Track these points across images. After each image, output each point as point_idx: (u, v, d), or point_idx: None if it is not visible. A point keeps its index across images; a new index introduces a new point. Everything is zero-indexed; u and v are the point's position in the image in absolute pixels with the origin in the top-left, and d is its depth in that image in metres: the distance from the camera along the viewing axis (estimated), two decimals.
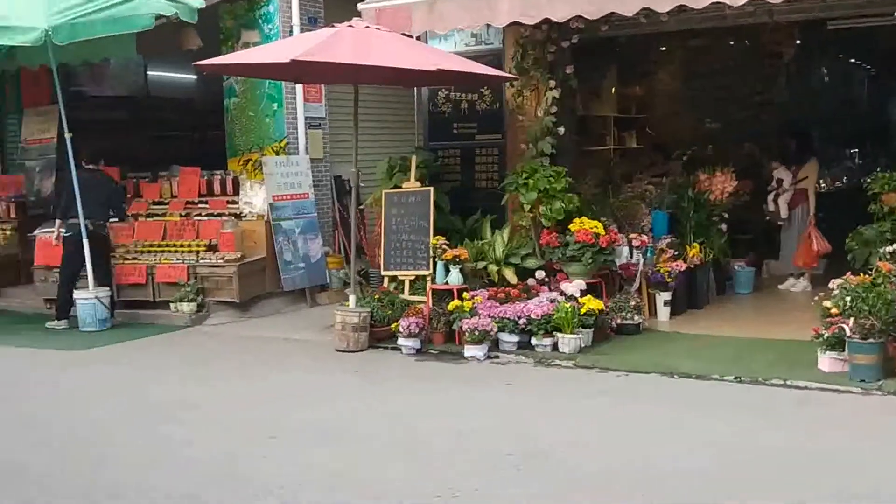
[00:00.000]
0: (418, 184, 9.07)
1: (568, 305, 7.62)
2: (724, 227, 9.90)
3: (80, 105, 11.98)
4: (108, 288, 9.83)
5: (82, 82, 13.53)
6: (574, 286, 8.08)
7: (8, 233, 11.96)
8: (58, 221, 10.02)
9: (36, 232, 11.00)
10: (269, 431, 5.86)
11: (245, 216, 10.35)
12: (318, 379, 7.33)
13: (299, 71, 8.42)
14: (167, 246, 10.30)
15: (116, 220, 10.24)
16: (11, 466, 5.38)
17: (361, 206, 9.08)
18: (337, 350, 8.15)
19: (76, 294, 9.71)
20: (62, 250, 9.94)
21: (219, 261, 9.91)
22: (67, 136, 9.59)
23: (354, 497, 4.73)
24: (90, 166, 9.98)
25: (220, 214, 10.41)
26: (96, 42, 9.35)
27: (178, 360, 8.23)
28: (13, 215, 12.09)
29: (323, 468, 5.15)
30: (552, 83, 9.41)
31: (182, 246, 10.20)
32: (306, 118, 10.84)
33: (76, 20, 9.03)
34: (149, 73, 14.61)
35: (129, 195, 10.90)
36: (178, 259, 10.08)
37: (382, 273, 9.04)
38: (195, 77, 14.20)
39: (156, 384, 7.31)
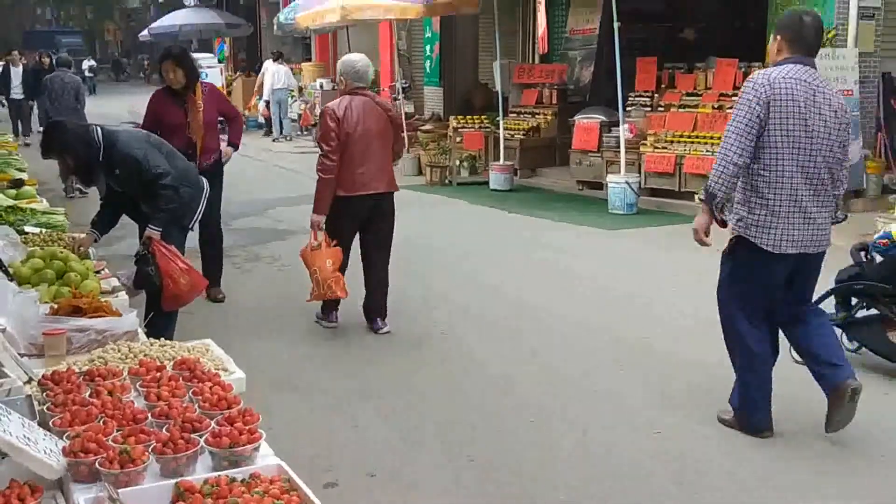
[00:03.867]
0: None
1: None
2: None
3: None
4: (637, 175, 10.24)
5: None
6: None
7: (549, 117, 12.93)
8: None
9: (575, 118, 11.74)
10: None
11: None
12: None
13: None
14: (697, 138, 10.33)
15: None
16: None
17: None
18: None
19: (609, 178, 10.30)
20: None
21: None
22: (616, 25, 9.99)
23: None
24: None
25: None
26: None
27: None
28: (554, 101, 13.04)
29: None
30: None
31: (712, 138, 10.14)
32: (859, 7, 9.91)
33: None
34: None
35: (663, 85, 11.12)
36: (707, 151, 10.07)
37: None
38: None
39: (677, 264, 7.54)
